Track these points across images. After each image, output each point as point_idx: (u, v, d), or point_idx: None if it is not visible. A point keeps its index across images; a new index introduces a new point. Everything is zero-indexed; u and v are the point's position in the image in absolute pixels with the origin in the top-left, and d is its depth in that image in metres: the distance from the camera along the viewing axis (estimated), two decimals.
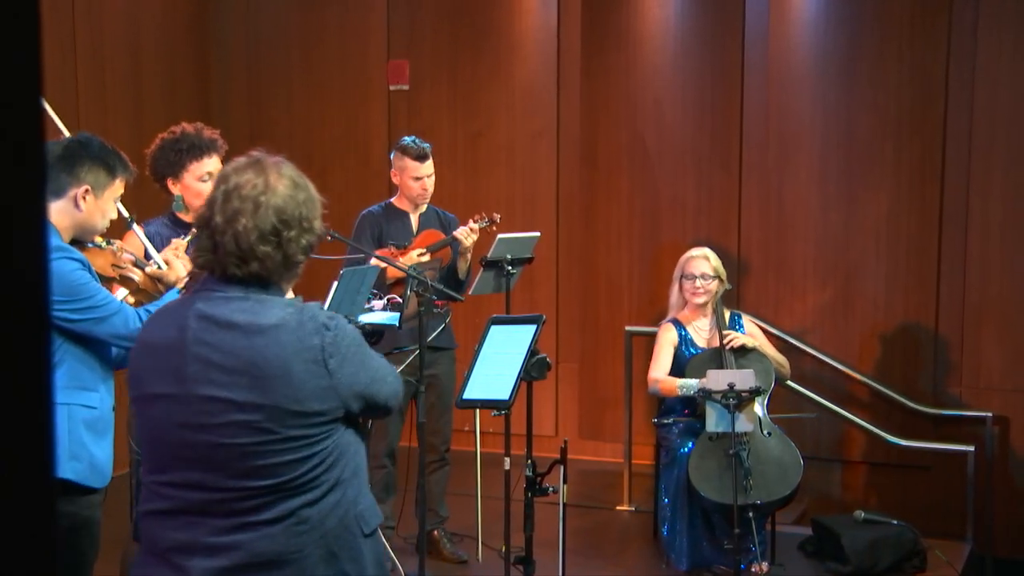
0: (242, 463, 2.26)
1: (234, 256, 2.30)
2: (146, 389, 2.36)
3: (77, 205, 3.20)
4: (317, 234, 2.40)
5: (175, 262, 3.51)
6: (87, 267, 3.13)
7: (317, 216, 2.39)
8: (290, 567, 2.30)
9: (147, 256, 3.57)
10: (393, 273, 4.84)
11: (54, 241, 3.13)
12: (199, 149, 3.98)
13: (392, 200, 5.43)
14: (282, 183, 2.34)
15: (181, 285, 3.46)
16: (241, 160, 2.39)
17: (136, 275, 3.42)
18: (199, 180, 3.97)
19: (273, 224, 2.30)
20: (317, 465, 2.31)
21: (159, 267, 3.47)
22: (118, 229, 3.59)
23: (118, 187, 3.31)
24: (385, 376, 2.46)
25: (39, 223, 0.74)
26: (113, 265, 3.37)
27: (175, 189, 4.03)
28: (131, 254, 3.47)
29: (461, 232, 5.21)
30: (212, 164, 3.99)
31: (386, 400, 2.46)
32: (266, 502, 2.28)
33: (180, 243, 3.73)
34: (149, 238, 4.00)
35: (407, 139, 5.36)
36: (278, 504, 2.28)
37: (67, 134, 3.48)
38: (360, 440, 2.47)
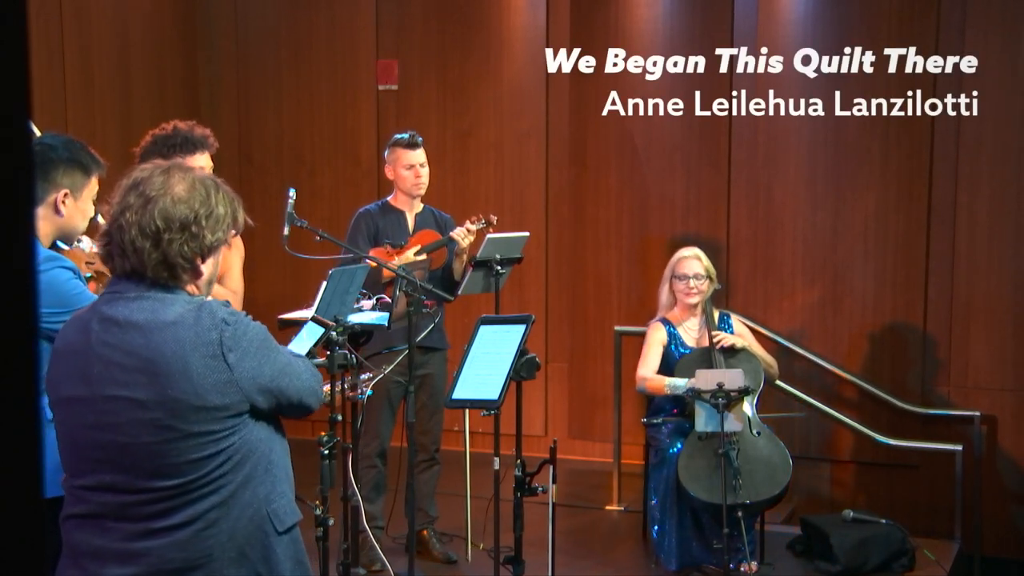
0: (149, 463, 2.27)
1: (117, 248, 2.33)
2: (58, 393, 2.37)
3: (57, 210, 3.16)
4: (207, 244, 2.37)
5: None
6: (78, 275, 3.11)
7: (212, 228, 2.37)
8: (199, 572, 2.30)
9: None
10: (389, 273, 4.83)
11: (42, 251, 3.10)
12: (191, 145, 3.98)
13: (388, 199, 5.43)
14: (181, 187, 2.34)
15: None
16: (163, 165, 2.40)
17: (105, 269, 3.40)
18: None
19: (156, 224, 2.30)
20: (224, 463, 2.31)
21: None
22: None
23: (94, 185, 3.27)
24: (298, 372, 2.45)
25: (27, 236, 0.74)
26: (86, 263, 3.35)
27: None
28: (94, 246, 3.45)
29: (458, 233, 5.21)
30: (203, 160, 4.00)
31: (300, 397, 2.44)
32: (174, 505, 2.28)
33: None
34: None
35: (400, 134, 5.40)
36: (186, 507, 2.29)
37: (38, 134, 3.43)
38: (276, 435, 2.45)
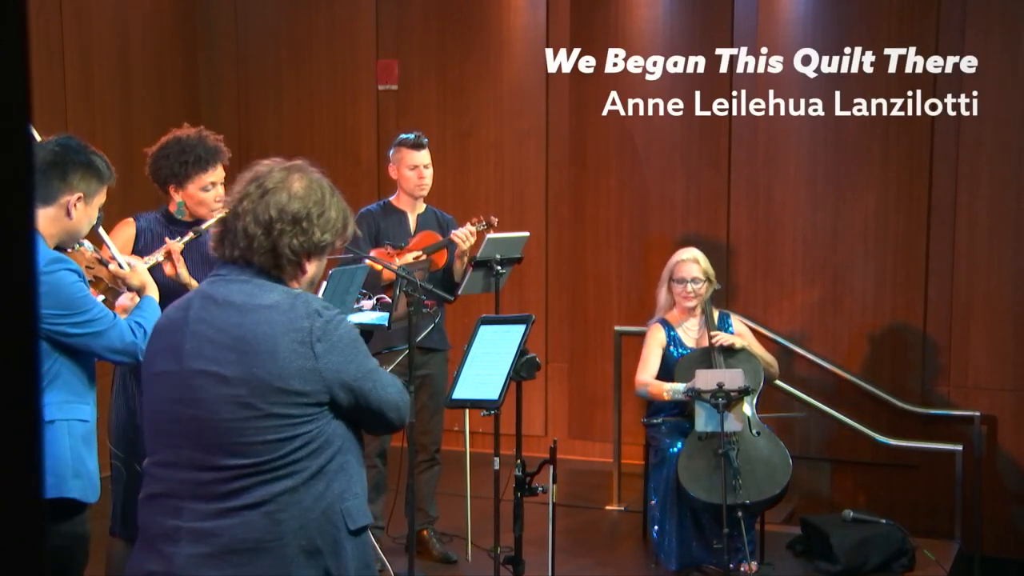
0: (226, 439, 2.33)
1: (231, 235, 2.45)
2: (150, 370, 2.48)
3: (68, 213, 3.16)
4: (315, 241, 2.47)
5: (139, 265, 3.49)
6: (83, 278, 3.11)
7: (323, 227, 2.48)
8: (269, 556, 2.33)
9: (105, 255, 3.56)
10: (389, 274, 4.83)
11: (49, 252, 3.10)
12: (205, 161, 4.01)
13: (391, 199, 5.43)
14: (298, 184, 2.48)
15: (149, 292, 3.44)
16: (285, 162, 2.53)
17: (103, 274, 3.41)
18: (202, 190, 4.03)
19: (270, 215, 2.42)
20: (299, 448, 2.35)
21: (121, 267, 3.45)
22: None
23: (104, 194, 3.28)
24: (384, 383, 2.50)
25: (28, 236, 0.74)
26: (86, 267, 3.35)
27: (177, 196, 4.06)
28: (97, 252, 3.46)
29: (458, 235, 5.21)
30: (216, 175, 4.07)
31: (381, 406, 2.49)
32: (247, 485, 2.33)
33: (176, 245, 3.80)
34: (139, 233, 4.04)
35: (405, 133, 5.41)
36: (259, 488, 2.33)
37: (37, 138, 3.44)
38: (353, 438, 2.50)
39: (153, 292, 3.44)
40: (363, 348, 2.48)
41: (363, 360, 2.45)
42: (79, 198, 3.17)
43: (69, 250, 3.30)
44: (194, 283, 3.90)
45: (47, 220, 3.15)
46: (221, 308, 2.40)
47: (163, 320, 2.53)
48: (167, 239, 3.89)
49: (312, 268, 2.51)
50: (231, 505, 2.33)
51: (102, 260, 3.44)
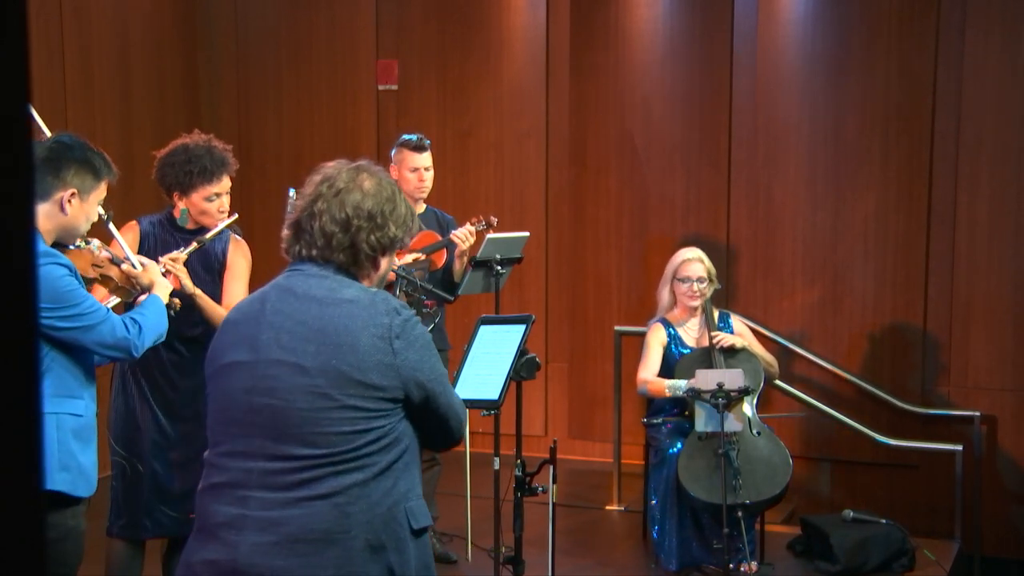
0: (299, 429, 2.36)
1: (307, 235, 2.51)
2: (220, 362, 2.50)
3: (63, 208, 3.17)
4: (390, 236, 2.54)
5: (151, 265, 3.51)
6: (74, 273, 3.11)
7: (396, 223, 2.55)
8: (336, 548, 2.34)
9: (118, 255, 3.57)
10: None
11: (40, 246, 3.10)
12: (210, 173, 4.02)
13: None
14: (369, 183, 2.54)
15: (157, 291, 3.45)
16: (349, 163, 2.58)
17: (114, 273, 3.42)
18: (206, 200, 4.04)
19: (346, 212, 2.49)
20: (372, 442, 2.39)
21: (134, 267, 3.46)
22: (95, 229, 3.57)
23: (103, 190, 3.29)
24: (451, 392, 2.56)
25: (27, 229, 0.74)
26: (93, 265, 3.35)
27: (181, 203, 4.07)
28: (108, 251, 3.46)
29: (458, 235, 5.21)
30: (221, 186, 4.08)
31: (446, 413, 2.54)
32: (318, 476, 2.35)
33: (179, 256, 3.82)
34: (144, 237, 4.06)
35: (408, 134, 5.40)
36: (329, 479, 2.35)
37: (48, 134, 3.45)
38: (417, 443, 2.54)
39: (161, 291, 3.46)
40: (436, 353, 2.54)
41: (436, 363, 2.51)
42: (72, 194, 3.17)
43: (73, 247, 3.31)
44: (198, 291, 3.91)
45: (42, 216, 3.16)
46: (301, 301, 2.45)
47: (235, 313, 2.57)
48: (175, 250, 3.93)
49: (384, 264, 2.59)
50: (300, 495, 2.35)
51: (115, 259, 3.45)
